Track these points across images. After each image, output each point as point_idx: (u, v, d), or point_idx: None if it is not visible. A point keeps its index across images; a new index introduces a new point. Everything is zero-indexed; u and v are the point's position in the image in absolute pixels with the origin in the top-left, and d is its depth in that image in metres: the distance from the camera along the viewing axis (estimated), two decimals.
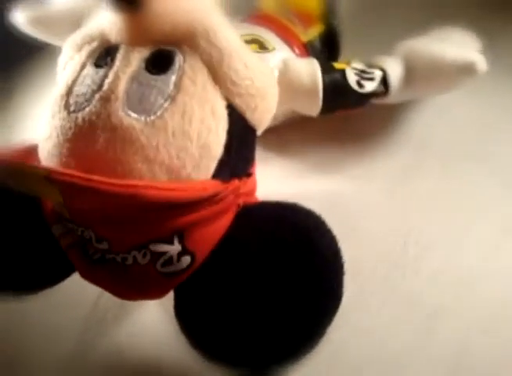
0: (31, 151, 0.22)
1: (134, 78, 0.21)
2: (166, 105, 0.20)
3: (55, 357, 0.29)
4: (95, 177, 0.17)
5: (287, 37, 0.31)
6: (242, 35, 0.27)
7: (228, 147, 0.21)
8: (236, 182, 0.21)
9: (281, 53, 0.30)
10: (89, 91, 0.21)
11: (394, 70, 0.30)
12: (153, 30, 0.22)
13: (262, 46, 0.29)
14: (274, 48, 0.30)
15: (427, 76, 0.29)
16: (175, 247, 0.19)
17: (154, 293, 0.21)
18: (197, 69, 0.21)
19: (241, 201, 0.22)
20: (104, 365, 0.29)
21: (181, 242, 0.19)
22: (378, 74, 0.30)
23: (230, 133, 0.21)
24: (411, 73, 0.30)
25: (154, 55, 0.21)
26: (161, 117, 0.20)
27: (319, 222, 0.21)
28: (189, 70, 0.21)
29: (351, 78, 0.29)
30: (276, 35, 0.31)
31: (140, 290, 0.20)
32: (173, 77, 0.20)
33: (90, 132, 0.20)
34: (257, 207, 0.22)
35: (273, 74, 0.27)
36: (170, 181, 0.19)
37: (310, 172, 0.35)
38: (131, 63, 0.21)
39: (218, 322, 0.19)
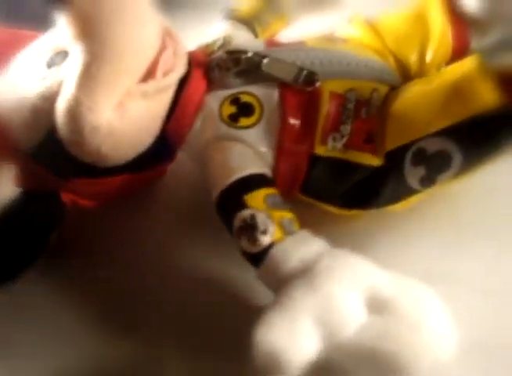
0: None
1: None
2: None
3: None
4: None
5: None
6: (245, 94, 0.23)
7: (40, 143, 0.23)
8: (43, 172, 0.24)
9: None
10: None
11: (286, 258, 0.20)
12: None
13: (236, 118, 0.23)
14: (248, 127, 0.23)
15: None
16: None
17: None
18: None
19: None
20: None
21: None
22: (264, 241, 0.20)
23: (45, 137, 0.22)
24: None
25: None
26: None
27: None
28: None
29: (239, 219, 0.21)
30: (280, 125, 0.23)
31: None
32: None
33: None
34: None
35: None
36: None
37: None
38: None
39: None
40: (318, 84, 0.23)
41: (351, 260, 0.19)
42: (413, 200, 0.23)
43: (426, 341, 0.17)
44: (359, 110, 0.23)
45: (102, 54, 0.20)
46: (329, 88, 0.23)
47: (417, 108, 0.22)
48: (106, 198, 0.26)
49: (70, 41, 0.21)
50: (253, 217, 0.21)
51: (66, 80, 0.21)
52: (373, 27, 0.27)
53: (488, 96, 0.21)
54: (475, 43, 0.26)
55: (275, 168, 0.23)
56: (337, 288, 0.18)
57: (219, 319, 0.23)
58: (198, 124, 0.24)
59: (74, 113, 0.21)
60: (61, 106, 0.21)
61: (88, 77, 0.20)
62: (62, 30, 0.21)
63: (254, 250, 0.21)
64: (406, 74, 0.26)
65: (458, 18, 0.26)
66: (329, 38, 0.27)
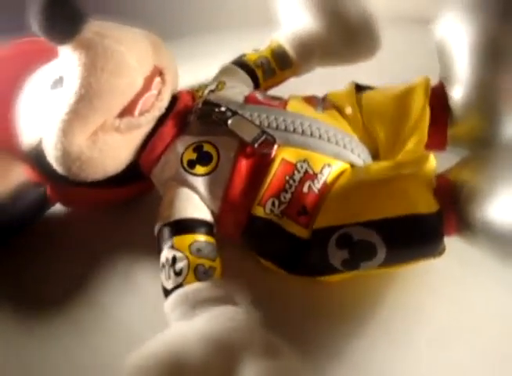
0: None
1: None
2: None
3: None
4: None
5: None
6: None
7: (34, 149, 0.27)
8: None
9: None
10: None
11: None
12: None
13: (193, 165, 0.26)
14: (201, 175, 0.26)
15: None
16: None
17: None
18: None
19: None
20: None
21: None
22: (175, 281, 0.23)
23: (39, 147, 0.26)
24: None
25: None
26: None
27: None
28: None
29: (163, 256, 0.24)
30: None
31: None
32: None
33: None
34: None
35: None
36: None
37: None
38: None
39: None
40: (273, 149, 0.25)
41: (230, 320, 0.21)
42: (337, 277, 0.24)
43: None
44: (303, 183, 0.24)
45: (84, 92, 0.24)
46: (283, 154, 0.25)
47: (353, 195, 0.23)
48: (86, 204, 0.30)
49: (66, 70, 0.25)
50: (174, 258, 0.23)
51: (56, 105, 0.25)
52: (359, 98, 0.27)
53: (422, 200, 0.22)
54: (452, 137, 0.26)
55: (218, 217, 0.25)
56: (201, 341, 0.20)
57: None
58: (162, 161, 0.26)
59: (53, 136, 0.24)
60: (47, 127, 0.25)
61: (70, 108, 0.24)
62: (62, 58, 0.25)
63: (167, 286, 0.23)
64: (375, 152, 0.26)
65: (441, 110, 0.26)
66: (314, 102, 0.28)
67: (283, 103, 0.27)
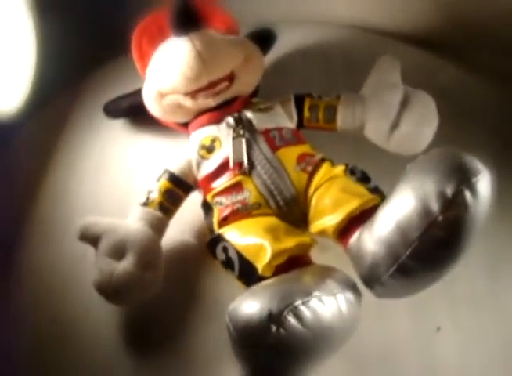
0: None
1: None
2: None
3: None
4: None
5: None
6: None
7: None
8: None
9: None
10: None
11: None
12: None
13: (202, 148, 0.38)
14: (200, 157, 0.38)
15: None
16: None
17: None
18: None
19: None
20: None
21: None
22: (145, 201, 0.38)
23: None
24: None
25: None
26: None
27: None
28: None
29: (151, 186, 0.39)
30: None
31: None
32: None
33: None
34: None
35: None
36: None
37: None
38: None
39: None
40: (240, 172, 0.36)
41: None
42: None
43: None
44: (238, 203, 0.35)
45: (171, 70, 0.38)
46: (242, 179, 0.36)
47: (245, 230, 0.34)
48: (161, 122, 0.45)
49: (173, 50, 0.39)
50: (152, 190, 0.38)
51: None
52: (330, 177, 0.35)
53: (262, 261, 0.32)
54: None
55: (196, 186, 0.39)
56: (124, 236, 0.35)
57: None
58: (194, 134, 0.40)
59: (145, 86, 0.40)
60: (152, 78, 0.40)
61: (160, 74, 0.39)
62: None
63: (141, 200, 0.38)
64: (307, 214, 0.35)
65: (354, 227, 0.32)
66: (302, 159, 0.37)
67: (279, 146, 0.37)
